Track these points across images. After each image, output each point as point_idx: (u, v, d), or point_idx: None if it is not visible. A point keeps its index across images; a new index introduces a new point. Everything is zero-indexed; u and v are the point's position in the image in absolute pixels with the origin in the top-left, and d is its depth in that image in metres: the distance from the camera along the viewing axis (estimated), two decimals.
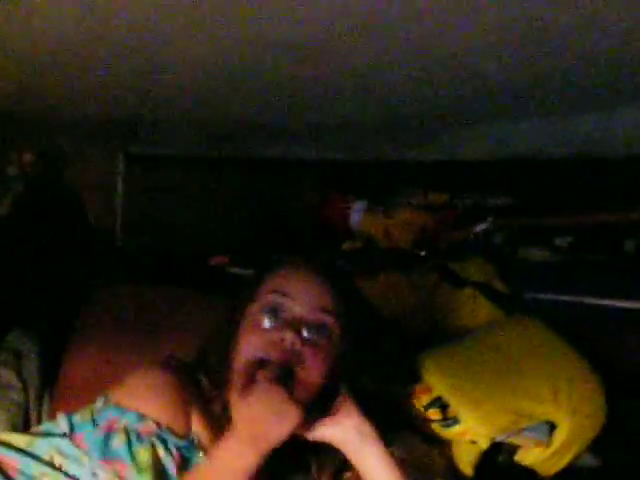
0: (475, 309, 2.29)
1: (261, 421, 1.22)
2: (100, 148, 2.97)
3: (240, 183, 3.35)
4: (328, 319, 1.38)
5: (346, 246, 3.14)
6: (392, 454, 1.35)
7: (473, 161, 2.64)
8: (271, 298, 1.38)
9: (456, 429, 1.82)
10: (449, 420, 1.83)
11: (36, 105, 2.06)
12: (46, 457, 1.28)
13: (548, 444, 1.83)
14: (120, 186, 3.04)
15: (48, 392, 1.93)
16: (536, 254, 2.68)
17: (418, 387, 1.88)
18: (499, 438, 1.82)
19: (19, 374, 1.91)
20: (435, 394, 1.86)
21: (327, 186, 3.45)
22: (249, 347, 1.32)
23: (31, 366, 1.95)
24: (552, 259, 2.66)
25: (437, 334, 2.24)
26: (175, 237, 3.03)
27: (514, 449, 1.87)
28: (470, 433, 1.81)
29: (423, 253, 2.78)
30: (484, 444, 1.81)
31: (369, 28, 1.39)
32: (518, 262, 2.68)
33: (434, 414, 1.83)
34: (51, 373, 1.98)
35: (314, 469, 1.43)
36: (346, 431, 1.34)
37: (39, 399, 1.91)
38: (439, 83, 1.84)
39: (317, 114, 2.34)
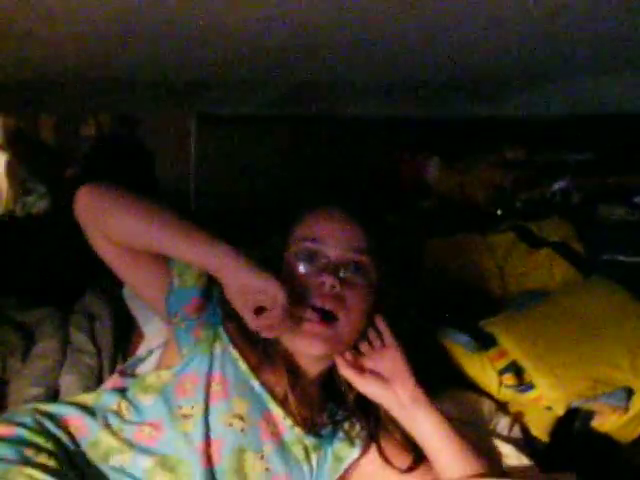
0: (552, 271, 2.24)
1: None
2: (172, 110, 2.97)
3: (313, 142, 3.33)
4: (363, 258, 1.39)
5: (421, 205, 3.11)
6: (446, 417, 1.36)
7: (552, 117, 2.57)
8: (303, 245, 1.40)
9: (531, 395, 1.79)
10: (524, 385, 1.80)
11: (111, 68, 2.06)
12: (114, 407, 1.35)
13: (626, 410, 1.79)
14: (193, 148, 3.05)
15: (121, 356, 1.93)
16: (616, 213, 2.60)
17: (493, 351, 1.85)
18: (575, 404, 1.78)
19: (92, 338, 1.92)
20: (511, 358, 1.82)
21: (403, 143, 3.41)
22: (290, 295, 1.32)
23: (104, 330, 1.96)
24: (632, 218, 2.58)
25: (512, 297, 2.21)
26: (249, 198, 3.03)
27: (591, 415, 1.83)
28: (545, 399, 1.78)
29: (499, 212, 2.74)
30: (560, 410, 1.77)
31: None
32: (597, 222, 2.61)
33: (509, 379, 1.80)
34: (124, 336, 1.99)
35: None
36: (399, 398, 1.35)
37: (112, 363, 1.90)
38: (517, 38, 1.79)
39: (392, 72, 2.30)
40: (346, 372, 1.37)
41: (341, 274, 1.37)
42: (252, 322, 1.26)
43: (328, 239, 1.39)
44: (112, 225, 1.34)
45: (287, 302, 1.24)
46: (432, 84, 2.55)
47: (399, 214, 2.87)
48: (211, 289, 1.41)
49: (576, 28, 1.65)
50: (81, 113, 4.02)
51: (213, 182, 3.07)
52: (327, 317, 1.34)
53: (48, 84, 2.12)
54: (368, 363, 1.39)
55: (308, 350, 1.35)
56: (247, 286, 1.24)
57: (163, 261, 1.43)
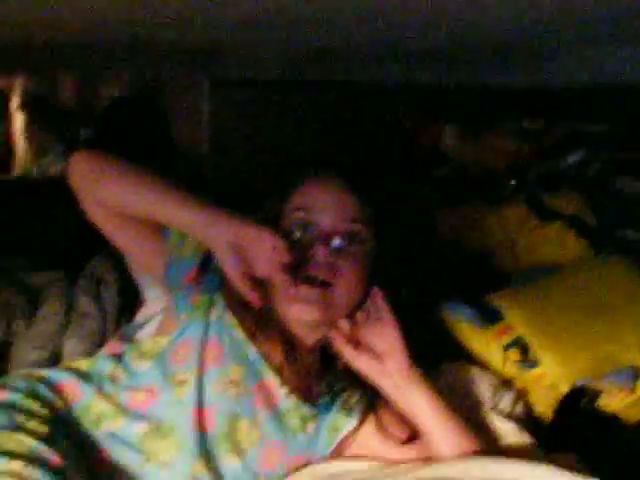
0: (563, 245, 2.22)
1: None
2: (188, 73, 2.96)
3: (329, 107, 3.30)
4: (357, 227, 1.37)
5: (437, 172, 3.09)
6: (442, 394, 1.34)
7: (571, 87, 2.53)
8: (297, 215, 1.38)
9: (536, 371, 1.77)
10: (529, 362, 1.78)
11: (130, 27, 2.05)
12: (109, 372, 1.37)
13: (632, 390, 1.77)
14: (206, 111, 3.03)
15: (126, 321, 1.92)
16: (632, 187, 2.56)
17: (499, 326, 1.83)
18: (580, 382, 1.76)
19: (97, 302, 1.92)
20: (516, 334, 1.80)
21: (420, 110, 3.38)
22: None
23: (110, 294, 1.96)
24: None
25: (521, 270, 2.18)
26: (260, 164, 3.01)
27: (597, 394, 1.81)
28: (550, 376, 1.76)
29: (513, 182, 2.70)
30: (565, 388, 1.75)
31: None
32: (612, 196, 2.57)
33: (514, 355, 1.78)
34: (131, 302, 1.98)
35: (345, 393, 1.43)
36: (392, 376, 1.33)
37: (117, 328, 1.89)
38: (536, 7, 1.75)
39: (409, 38, 2.27)
40: (340, 345, 1.36)
41: (334, 244, 1.35)
42: (243, 287, 1.24)
43: (321, 209, 1.37)
44: (103, 190, 1.35)
45: (285, 248, 1.24)
46: (450, 51, 2.51)
47: (413, 181, 2.85)
48: (210, 258, 1.39)
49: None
50: (101, 74, 4.02)
51: (226, 146, 3.06)
52: (321, 285, 1.32)
53: (68, 44, 2.11)
54: (363, 335, 1.37)
55: (302, 315, 1.33)
56: (240, 238, 1.23)
57: (159, 232, 1.42)
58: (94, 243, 2.13)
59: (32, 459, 1.11)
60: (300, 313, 1.33)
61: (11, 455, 1.10)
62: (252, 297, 1.25)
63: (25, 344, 1.82)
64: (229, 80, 2.98)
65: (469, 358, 1.81)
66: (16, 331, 1.86)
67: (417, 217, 2.20)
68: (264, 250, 1.23)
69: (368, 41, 2.38)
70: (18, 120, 4.31)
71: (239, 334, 1.37)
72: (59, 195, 2.67)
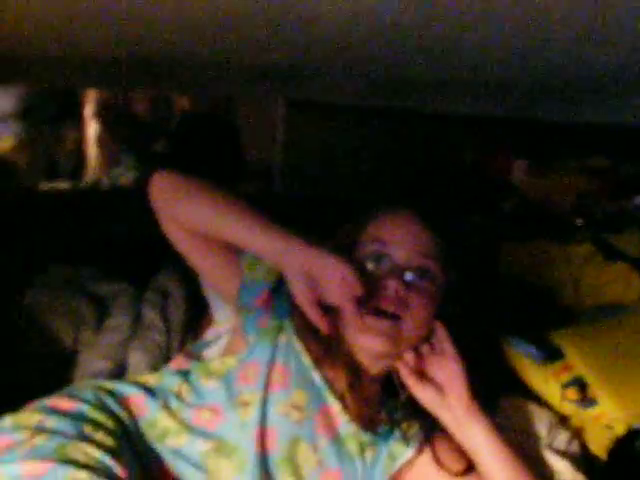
0: (628, 285, 2.20)
1: None
2: (263, 94, 2.99)
3: (403, 135, 3.32)
4: (430, 263, 1.39)
5: (504, 205, 3.08)
6: (500, 430, 1.36)
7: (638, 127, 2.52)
8: (372, 247, 1.41)
9: (593, 411, 1.76)
10: (587, 401, 1.78)
11: (202, 50, 2.10)
12: (175, 388, 1.39)
13: None
14: (281, 133, 3.06)
15: (191, 336, 1.96)
16: None
17: (559, 364, 1.84)
18: (637, 425, 1.76)
19: (163, 315, 1.96)
20: (576, 373, 1.80)
21: (490, 143, 3.38)
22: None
23: (176, 308, 1.99)
24: None
25: (584, 309, 2.18)
26: (332, 188, 3.04)
27: None
28: (607, 416, 1.75)
29: (580, 221, 2.69)
30: (621, 429, 1.75)
31: None
32: None
33: (572, 394, 1.78)
34: (196, 317, 2.03)
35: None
36: (453, 411, 1.36)
37: (181, 342, 1.93)
38: (608, 44, 1.75)
39: (481, 71, 2.29)
40: (406, 376, 1.38)
41: (407, 278, 1.37)
42: (312, 314, 1.27)
43: (396, 242, 1.40)
44: (182, 211, 1.39)
45: (357, 280, 1.26)
46: (521, 85, 2.52)
47: (480, 214, 2.86)
48: (282, 283, 1.43)
49: None
50: (175, 91, 4.08)
51: (298, 168, 3.08)
52: (391, 317, 1.35)
53: (144, 63, 2.16)
54: (426, 367, 1.40)
55: (370, 345, 1.36)
56: (314, 266, 1.26)
57: (234, 253, 1.46)
58: (159, 256, 2.20)
59: (98, 470, 1.13)
60: (369, 343, 1.35)
61: (77, 465, 1.12)
62: (321, 324, 1.27)
63: (92, 353, 1.85)
64: (306, 101, 3.00)
65: (527, 393, 1.82)
66: (83, 340, 1.91)
67: (483, 250, 2.21)
68: (336, 280, 1.26)
69: (442, 73, 2.41)
70: (91, 128, 4.39)
71: (305, 360, 1.40)
72: (128, 206, 2.74)
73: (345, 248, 1.41)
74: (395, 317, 1.35)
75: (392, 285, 1.35)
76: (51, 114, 4.20)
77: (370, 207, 1.50)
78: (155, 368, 1.79)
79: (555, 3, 1.43)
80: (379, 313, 1.34)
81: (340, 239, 1.47)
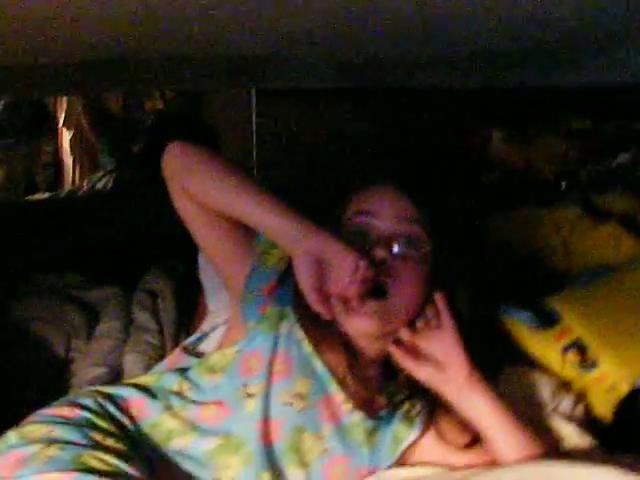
0: (617, 244, 2.19)
1: None
2: (233, 86, 2.96)
3: (375, 115, 3.29)
4: (416, 229, 1.38)
5: (485, 178, 3.07)
6: (504, 399, 1.35)
7: (619, 85, 2.50)
8: (357, 220, 1.40)
9: (595, 372, 1.75)
10: (588, 363, 1.77)
11: (173, 44, 2.07)
12: (175, 387, 1.38)
13: None
14: (254, 123, 3.04)
15: (184, 334, 1.94)
16: None
17: (557, 328, 1.83)
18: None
19: (155, 316, 1.95)
20: (574, 336, 1.79)
21: (466, 114, 3.36)
22: None
23: (167, 307, 1.98)
24: None
25: (577, 272, 2.17)
26: (312, 173, 3.02)
27: None
28: (610, 377, 1.74)
29: (564, 184, 2.68)
30: (624, 388, 1.74)
31: None
32: None
33: (573, 356, 1.77)
34: (187, 314, 2.01)
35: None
36: (453, 384, 1.34)
37: (175, 341, 1.91)
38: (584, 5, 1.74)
39: (453, 43, 2.27)
40: (400, 358, 1.37)
41: (394, 248, 1.37)
42: (315, 299, 1.24)
43: (382, 213, 1.39)
44: (195, 181, 1.35)
45: (369, 271, 1.24)
46: (495, 54, 2.50)
47: (462, 188, 2.84)
48: (288, 274, 1.40)
49: None
50: (145, 90, 4.05)
51: (275, 157, 3.06)
52: (377, 292, 1.33)
53: (111, 64, 2.14)
54: (423, 343, 1.38)
55: (362, 328, 1.35)
56: (325, 253, 1.23)
57: (245, 235, 1.44)
58: (145, 256, 2.17)
59: (118, 476, 1.13)
60: (361, 325, 1.35)
61: (99, 473, 1.11)
62: (324, 309, 1.24)
63: (86, 361, 1.84)
64: (275, 90, 2.98)
65: (527, 361, 1.81)
66: (76, 349, 1.89)
67: (469, 221, 2.20)
68: (347, 269, 1.23)
69: (413, 48, 2.38)
70: (65, 137, 4.36)
71: (306, 348, 1.39)
72: (108, 210, 2.71)
73: (331, 224, 1.40)
74: (382, 293, 1.33)
75: (379, 254, 1.34)
76: (24, 128, 4.18)
77: (352, 182, 1.49)
78: (150, 369, 1.77)
79: None
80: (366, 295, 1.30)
81: (322, 223, 1.45)
